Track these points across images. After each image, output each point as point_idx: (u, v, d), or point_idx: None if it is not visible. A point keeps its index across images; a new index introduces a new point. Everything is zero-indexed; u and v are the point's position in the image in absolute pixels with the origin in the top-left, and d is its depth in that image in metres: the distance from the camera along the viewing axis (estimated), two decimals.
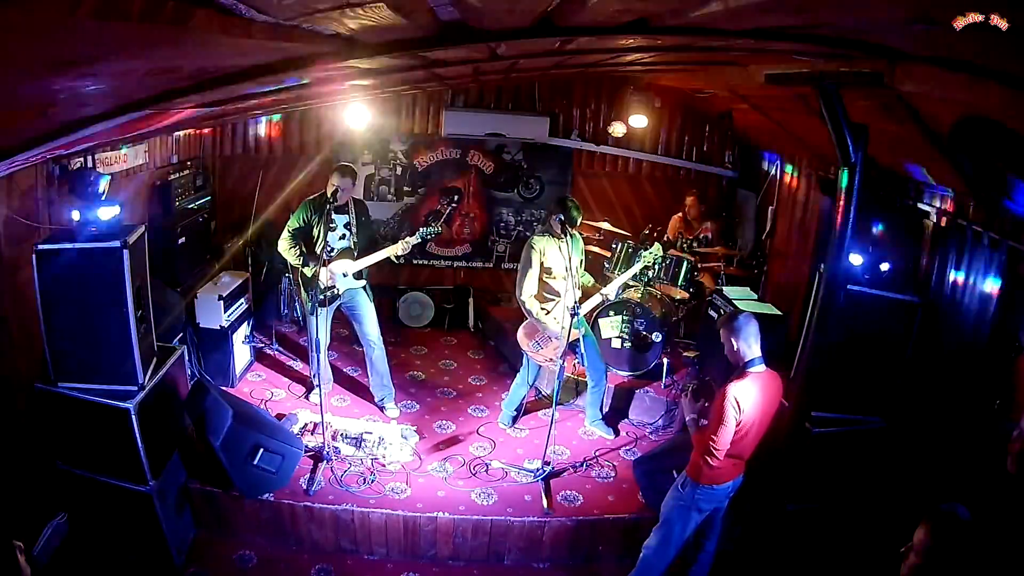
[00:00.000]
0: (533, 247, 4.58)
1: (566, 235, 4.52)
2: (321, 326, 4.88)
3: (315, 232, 4.78)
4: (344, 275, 4.83)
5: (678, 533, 3.42)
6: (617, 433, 5.15)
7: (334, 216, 4.77)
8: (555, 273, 4.63)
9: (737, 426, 3.12)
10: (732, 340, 3.18)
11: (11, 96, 1.52)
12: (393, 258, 4.86)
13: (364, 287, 4.96)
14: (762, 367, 3.19)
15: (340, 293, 4.88)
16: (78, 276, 3.42)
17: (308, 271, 4.80)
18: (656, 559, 3.49)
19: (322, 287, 4.71)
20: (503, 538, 4.18)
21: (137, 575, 3.90)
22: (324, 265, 4.72)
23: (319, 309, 4.77)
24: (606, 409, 5.33)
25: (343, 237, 4.85)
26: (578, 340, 4.68)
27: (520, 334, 4.81)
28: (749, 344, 3.17)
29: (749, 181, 6.72)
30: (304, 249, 4.85)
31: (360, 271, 4.87)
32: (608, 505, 4.36)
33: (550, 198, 6.64)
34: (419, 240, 4.85)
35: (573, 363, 5.35)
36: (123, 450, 3.62)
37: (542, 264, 4.59)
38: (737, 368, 3.21)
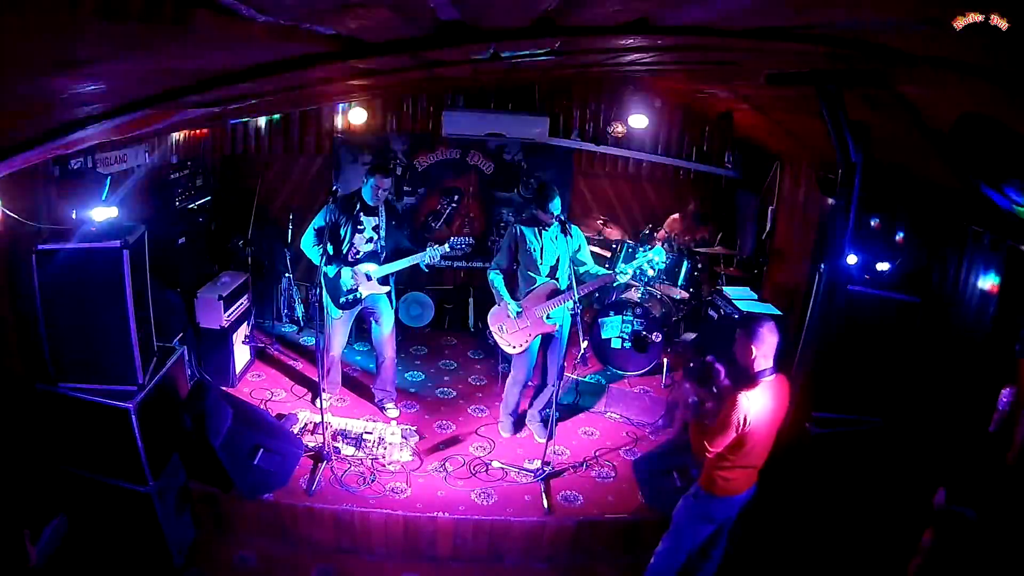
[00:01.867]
0: (512, 229, 4.73)
1: (545, 224, 4.58)
2: (340, 330, 4.86)
3: (342, 232, 4.72)
4: (368, 279, 4.79)
5: (687, 541, 3.40)
6: (551, 436, 4.58)
7: (363, 218, 4.73)
8: (532, 259, 4.67)
9: (743, 435, 3.04)
10: (753, 347, 3.03)
11: (11, 96, 1.52)
12: (423, 266, 4.78)
13: (388, 293, 4.91)
14: (772, 376, 3.10)
15: (363, 297, 4.86)
16: (78, 276, 3.42)
17: (331, 272, 4.79)
18: (666, 566, 3.46)
19: (345, 289, 4.69)
20: (503, 538, 4.18)
21: (137, 575, 3.90)
22: (348, 266, 4.70)
23: (340, 312, 4.75)
24: (599, 409, 5.32)
25: (370, 240, 4.79)
26: (553, 334, 4.68)
27: (490, 315, 4.83)
28: (767, 355, 3.06)
29: (749, 181, 6.72)
30: (328, 249, 4.79)
31: (385, 277, 4.82)
32: (608, 505, 4.36)
33: None
34: (448, 250, 4.79)
35: (575, 363, 5.35)
36: (123, 450, 3.62)
37: (517, 249, 4.67)
38: (747, 375, 3.09)
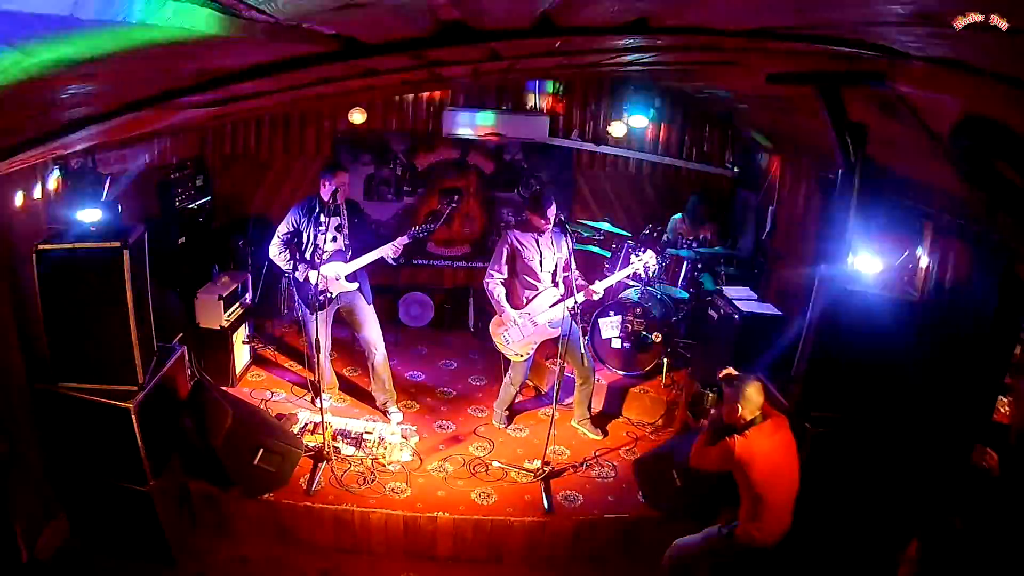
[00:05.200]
0: (506, 235, 4.69)
1: (540, 230, 4.56)
2: (320, 330, 4.85)
3: (305, 235, 4.74)
4: (336, 278, 4.79)
5: (709, 561, 3.42)
6: (605, 434, 5.12)
7: (323, 218, 4.72)
8: (529, 266, 4.64)
9: (760, 489, 3.10)
10: (739, 404, 3.16)
11: (11, 96, 1.52)
12: (390, 260, 4.81)
13: (359, 289, 4.92)
14: (766, 420, 3.19)
15: (333, 296, 4.86)
16: (78, 276, 3.42)
17: (299, 275, 4.79)
18: (688, 554, 3.48)
19: (315, 291, 4.69)
20: (503, 538, 4.18)
21: (137, 574, 3.90)
22: (314, 268, 4.69)
23: (316, 313, 4.75)
24: (598, 409, 5.33)
25: (334, 239, 4.79)
26: (563, 337, 4.60)
27: (491, 324, 4.82)
28: (752, 411, 3.18)
29: (749, 181, 6.72)
30: (295, 253, 4.82)
31: (353, 274, 4.84)
32: (608, 505, 4.36)
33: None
34: (409, 240, 4.77)
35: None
36: (123, 450, 3.63)
37: (514, 254, 4.64)
38: (733, 429, 3.19)
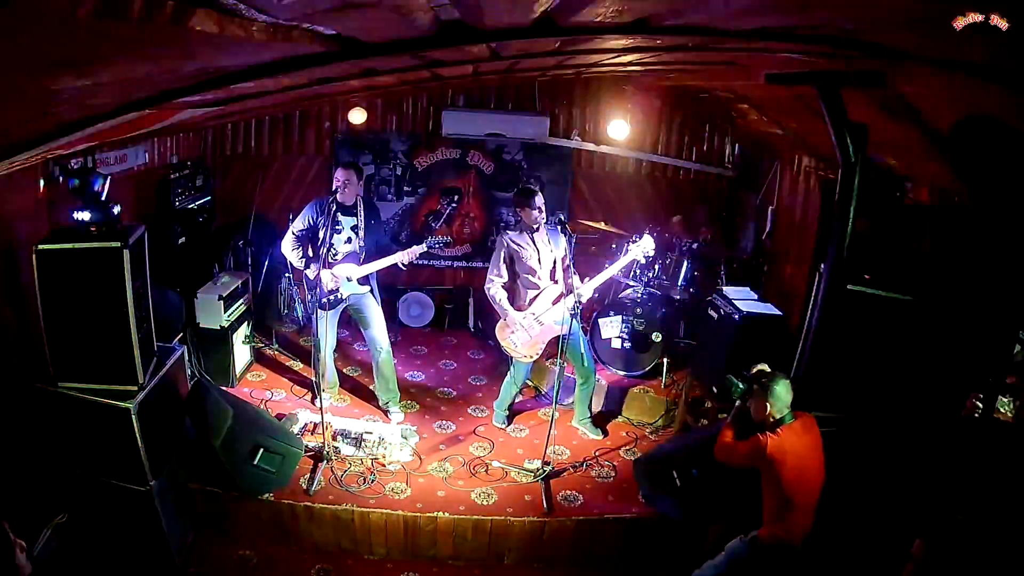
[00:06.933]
0: (501, 239, 4.67)
1: (533, 227, 4.56)
2: (326, 329, 4.86)
3: (320, 234, 4.72)
4: (348, 279, 4.79)
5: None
6: (605, 434, 5.12)
7: (340, 218, 4.71)
8: (528, 266, 4.63)
9: (791, 489, 3.10)
10: (768, 403, 3.15)
11: (11, 96, 1.52)
12: (402, 266, 4.81)
13: (370, 291, 4.92)
14: (795, 420, 3.18)
15: (344, 297, 4.86)
16: (78, 276, 3.42)
17: (311, 273, 4.78)
18: None
19: (325, 290, 4.69)
20: (503, 538, 4.18)
21: (137, 575, 3.90)
22: (327, 268, 4.69)
23: (324, 312, 4.75)
24: (598, 408, 5.33)
25: (349, 240, 4.79)
26: (563, 337, 4.55)
27: (497, 328, 4.81)
28: (781, 410, 3.16)
29: (749, 181, 6.72)
30: (308, 251, 4.82)
31: (366, 276, 4.84)
32: (608, 505, 4.36)
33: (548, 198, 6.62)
34: (426, 249, 4.80)
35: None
36: (123, 450, 3.62)
37: (512, 257, 4.63)
38: (764, 426, 3.17)
